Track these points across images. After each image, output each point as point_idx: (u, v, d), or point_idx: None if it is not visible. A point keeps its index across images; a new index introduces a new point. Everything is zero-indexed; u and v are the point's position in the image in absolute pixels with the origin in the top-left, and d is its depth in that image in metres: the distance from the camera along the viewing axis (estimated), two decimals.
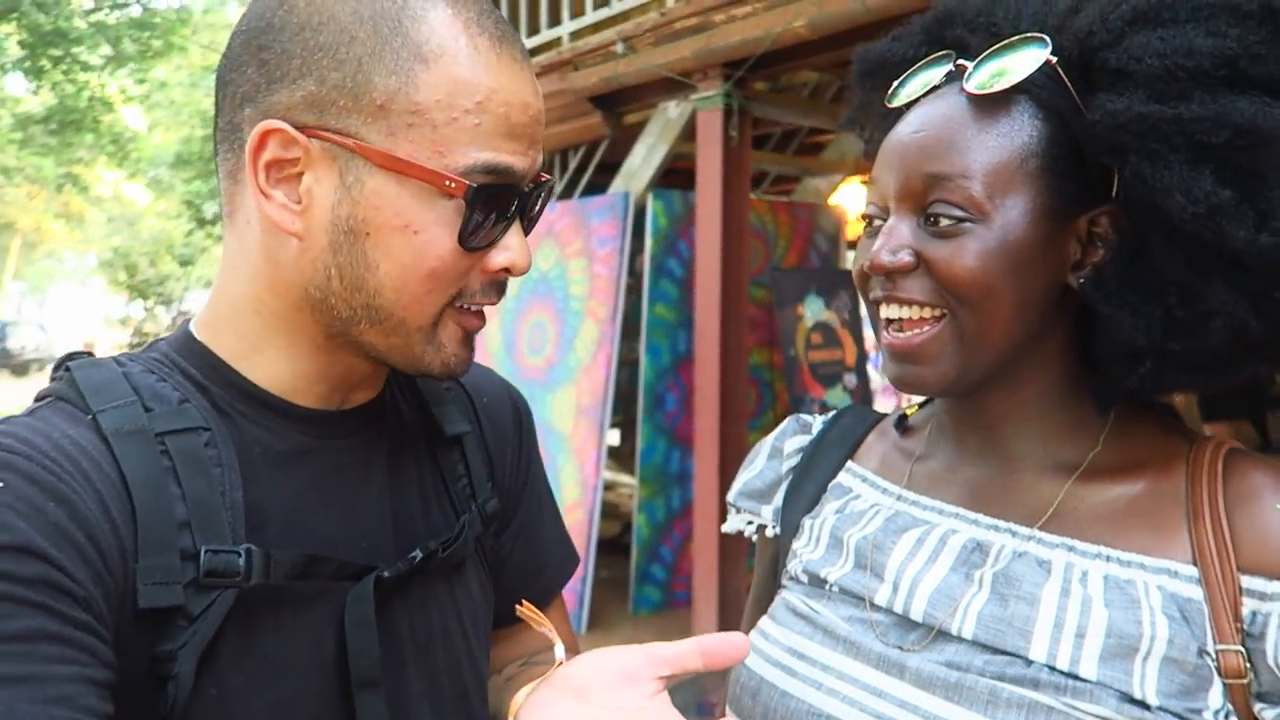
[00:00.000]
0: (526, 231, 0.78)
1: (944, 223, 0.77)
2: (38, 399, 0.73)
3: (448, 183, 0.69)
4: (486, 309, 0.78)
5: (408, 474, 0.85)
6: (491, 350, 5.52)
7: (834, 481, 0.97)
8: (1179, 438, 0.82)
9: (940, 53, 0.83)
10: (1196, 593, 0.72)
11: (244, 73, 0.72)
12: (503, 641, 0.98)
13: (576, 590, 4.74)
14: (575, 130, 5.16)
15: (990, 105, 0.77)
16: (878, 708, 0.77)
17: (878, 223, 0.83)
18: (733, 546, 4.14)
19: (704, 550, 4.23)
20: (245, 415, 0.75)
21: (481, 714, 0.87)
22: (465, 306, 0.76)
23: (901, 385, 0.83)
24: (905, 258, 0.78)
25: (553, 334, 5.14)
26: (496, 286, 0.77)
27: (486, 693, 0.90)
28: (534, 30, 5.21)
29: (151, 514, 0.66)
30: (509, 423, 0.98)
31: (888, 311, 0.81)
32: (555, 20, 5.02)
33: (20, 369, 22.50)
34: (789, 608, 0.89)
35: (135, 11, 16.32)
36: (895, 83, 0.86)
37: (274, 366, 0.77)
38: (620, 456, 6.39)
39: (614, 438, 6.21)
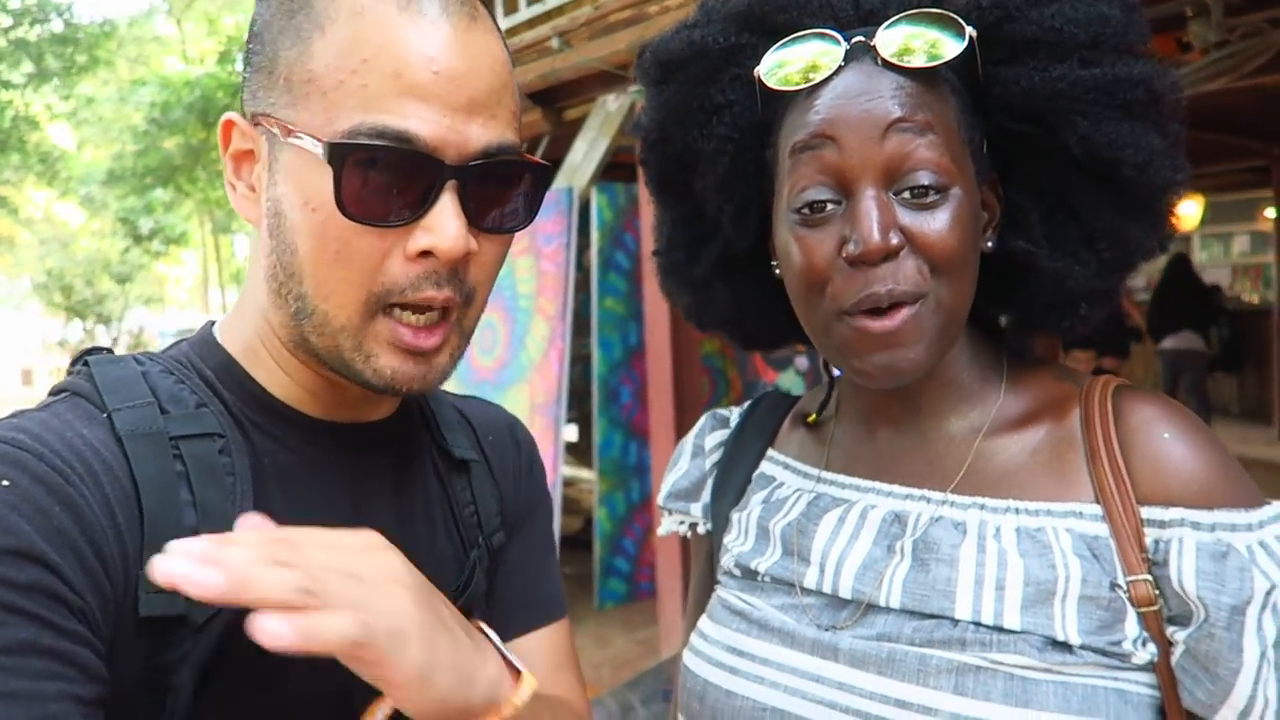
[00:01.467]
0: (513, 224, 0.72)
1: (925, 194, 0.75)
2: (53, 393, 0.72)
3: (315, 143, 0.66)
4: (441, 327, 0.71)
5: (415, 497, 0.83)
6: None
7: (757, 472, 0.98)
8: (1069, 383, 0.85)
9: (809, 31, 0.78)
10: (1103, 530, 0.75)
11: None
12: None
13: None
14: None
15: (920, 76, 0.76)
16: (817, 693, 0.79)
17: (831, 208, 0.76)
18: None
19: (666, 540, 4.25)
20: (255, 424, 0.74)
21: None
22: (400, 310, 0.69)
23: (882, 375, 0.77)
24: (897, 238, 0.74)
25: (503, 334, 5.11)
26: (431, 278, 0.68)
27: None
28: None
29: (159, 520, 0.65)
30: (512, 458, 0.96)
31: (886, 300, 0.74)
32: None
33: None
34: (725, 605, 0.90)
35: (57, 26, 15.89)
36: (771, 65, 0.79)
37: (272, 371, 0.76)
38: (578, 452, 6.39)
39: (571, 434, 6.19)
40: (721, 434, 1.04)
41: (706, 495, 1.01)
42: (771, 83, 0.79)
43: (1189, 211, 10.46)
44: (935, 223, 0.75)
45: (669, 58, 0.87)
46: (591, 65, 4.23)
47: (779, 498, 0.93)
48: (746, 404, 1.05)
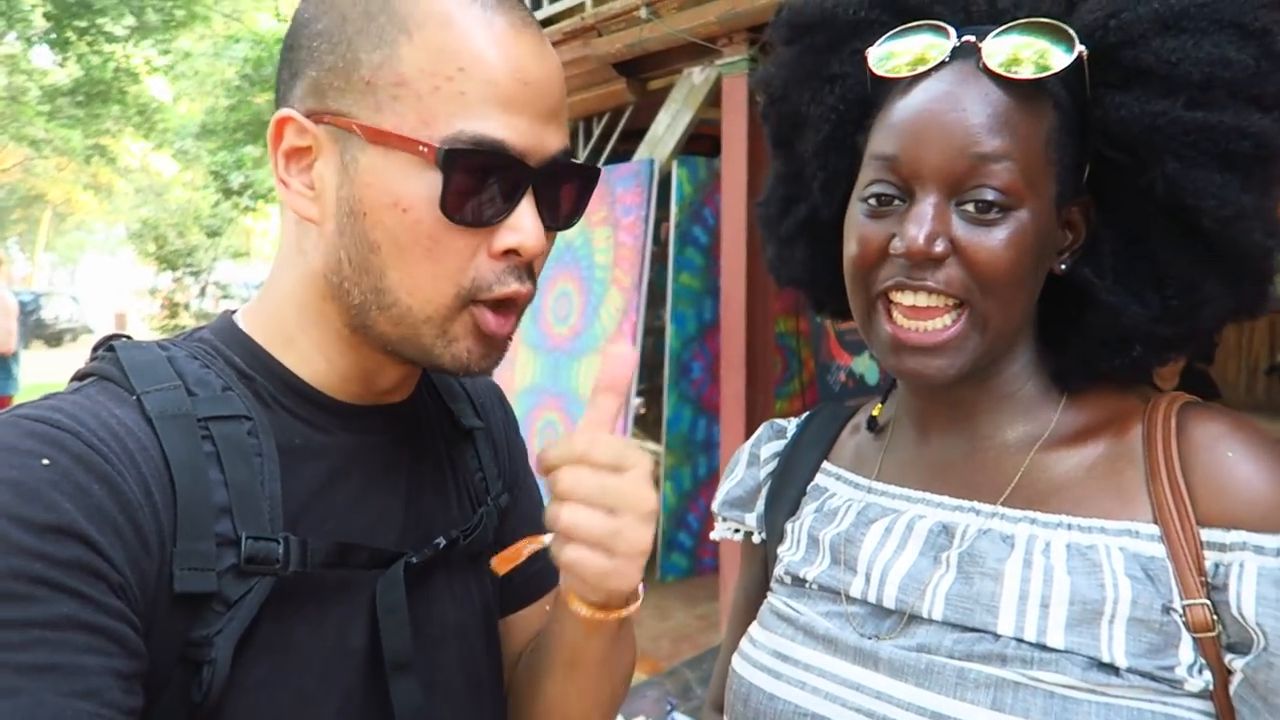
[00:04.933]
0: (566, 222, 0.76)
1: (986, 210, 0.75)
2: (78, 377, 0.74)
3: (421, 148, 0.68)
4: (514, 314, 0.75)
5: (430, 469, 0.86)
6: None
7: (811, 483, 0.98)
8: (1134, 398, 0.82)
9: (928, 23, 0.79)
10: (1159, 550, 0.73)
11: (280, 76, 0.75)
12: (514, 630, 0.98)
13: None
14: (599, 97, 5.12)
15: (1019, 89, 0.75)
16: (856, 701, 0.79)
17: (897, 204, 0.78)
18: None
19: None
20: (285, 406, 0.76)
21: (493, 701, 0.88)
22: (483, 301, 0.73)
23: (909, 375, 0.80)
24: (942, 246, 0.75)
25: (578, 303, 5.14)
26: (514, 273, 0.73)
27: (501, 678, 0.91)
28: None
29: (192, 498, 0.66)
30: (500, 417, 1.00)
31: (906, 298, 0.78)
32: None
33: (54, 339, 22.83)
34: (773, 611, 0.91)
35: None
36: (880, 47, 0.81)
37: (308, 358, 0.78)
38: (646, 425, 6.41)
39: (640, 406, 6.22)
40: (778, 444, 1.04)
41: (761, 505, 1.01)
42: (879, 70, 0.80)
43: None
44: (989, 240, 0.75)
45: (801, 20, 0.89)
46: (679, 36, 4.19)
47: (830, 508, 0.93)
48: (805, 415, 1.05)
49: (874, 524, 0.86)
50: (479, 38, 0.69)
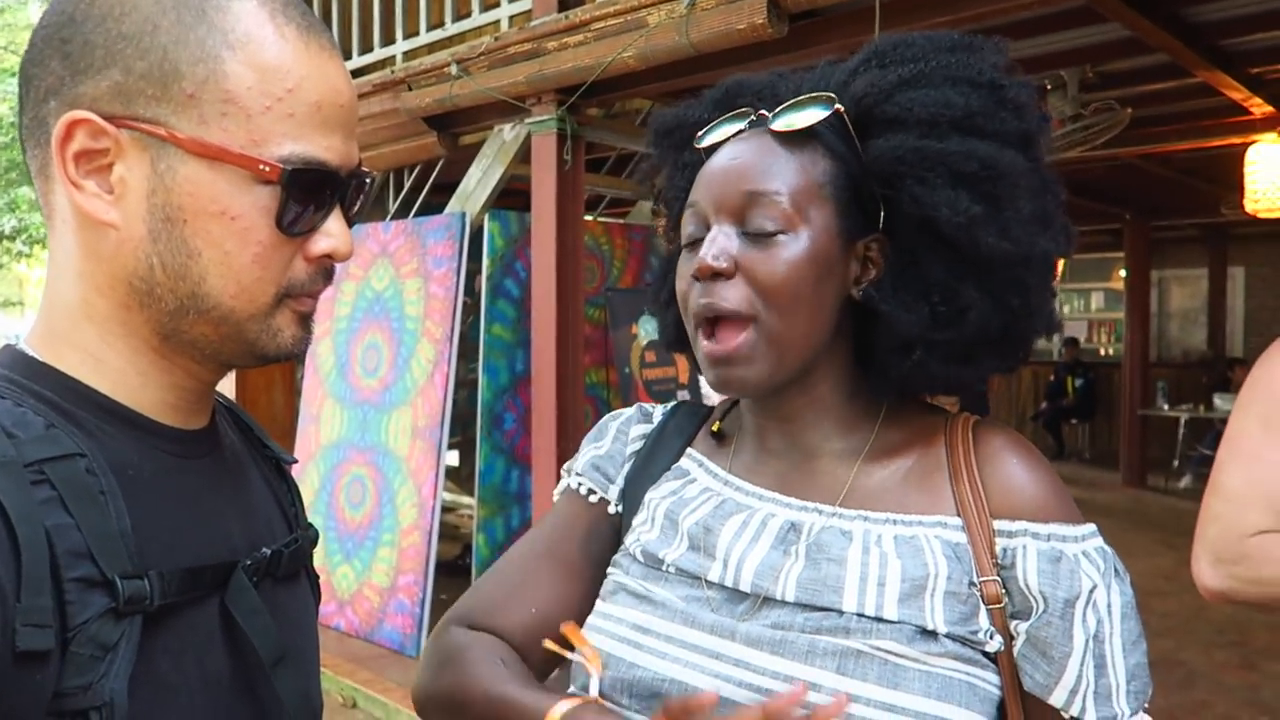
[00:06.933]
0: (351, 223, 0.80)
1: (761, 234, 0.90)
2: None
3: (262, 167, 0.70)
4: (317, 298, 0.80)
5: (253, 497, 0.87)
6: (324, 372, 5.38)
7: (676, 464, 1.08)
8: (938, 416, 1.00)
9: (739, 111, 0.99)
10: (962, 538, 0.89)
11: (47, 66, 0.71)
12: None
13: (415, 614, 4.68)
14: (409, 150, 5.12)
15: (792, 142, 0.93)
16: (715, 667, 0.88)
17: (700, 241, 0.94)
18: None
19: None
20: (112, 435, 0.72)
21: None
22: (295, 297, 0.77)
23: (722, 387, 0.94)
24: (725, 262, 0.90)
25: (388, 355, 5.07)
26: (324, 274, 0.78)
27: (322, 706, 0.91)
28: (366, 48, 5.15)
29: (35, 551, 0.62)
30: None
31: (708, 311, 0.92)
32: (388, 39, 4.99)
33: None
34: (628, 591, 0.98)
35: None
36: (702, 131, 1.00)
37: (122, 376, 0.75)
38: (458, 478, 6.34)
39: (452, 459, 6.15)
40: (645, 428, 1.14)
41: (621, 480, 1.10)
42: (701, 145, 1.00)
43: None
44: (768, 258, 0.91)
45: (663, 126, 1.11)
46: (489, 94, 4.27)
47: (689, 495, 1.02)
48: (669, 405, 1.16)
49: (731, 517, 0.97)
50: (302, 61, 0.72)
